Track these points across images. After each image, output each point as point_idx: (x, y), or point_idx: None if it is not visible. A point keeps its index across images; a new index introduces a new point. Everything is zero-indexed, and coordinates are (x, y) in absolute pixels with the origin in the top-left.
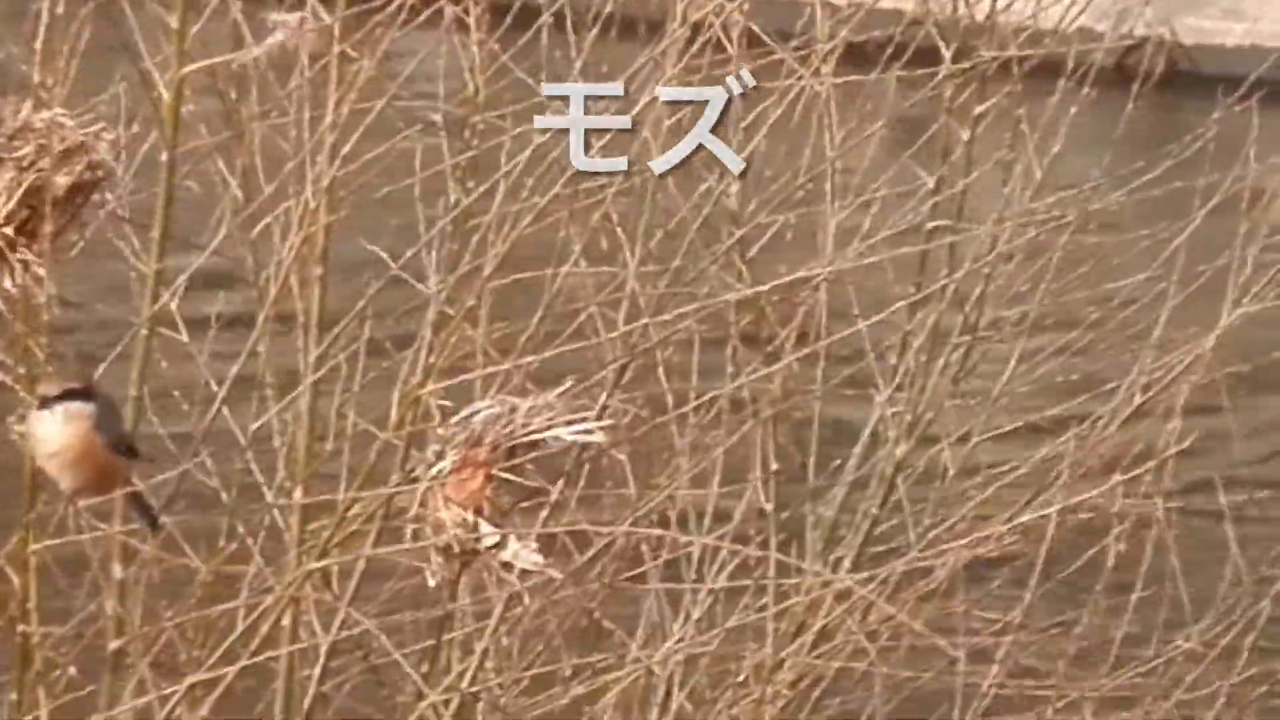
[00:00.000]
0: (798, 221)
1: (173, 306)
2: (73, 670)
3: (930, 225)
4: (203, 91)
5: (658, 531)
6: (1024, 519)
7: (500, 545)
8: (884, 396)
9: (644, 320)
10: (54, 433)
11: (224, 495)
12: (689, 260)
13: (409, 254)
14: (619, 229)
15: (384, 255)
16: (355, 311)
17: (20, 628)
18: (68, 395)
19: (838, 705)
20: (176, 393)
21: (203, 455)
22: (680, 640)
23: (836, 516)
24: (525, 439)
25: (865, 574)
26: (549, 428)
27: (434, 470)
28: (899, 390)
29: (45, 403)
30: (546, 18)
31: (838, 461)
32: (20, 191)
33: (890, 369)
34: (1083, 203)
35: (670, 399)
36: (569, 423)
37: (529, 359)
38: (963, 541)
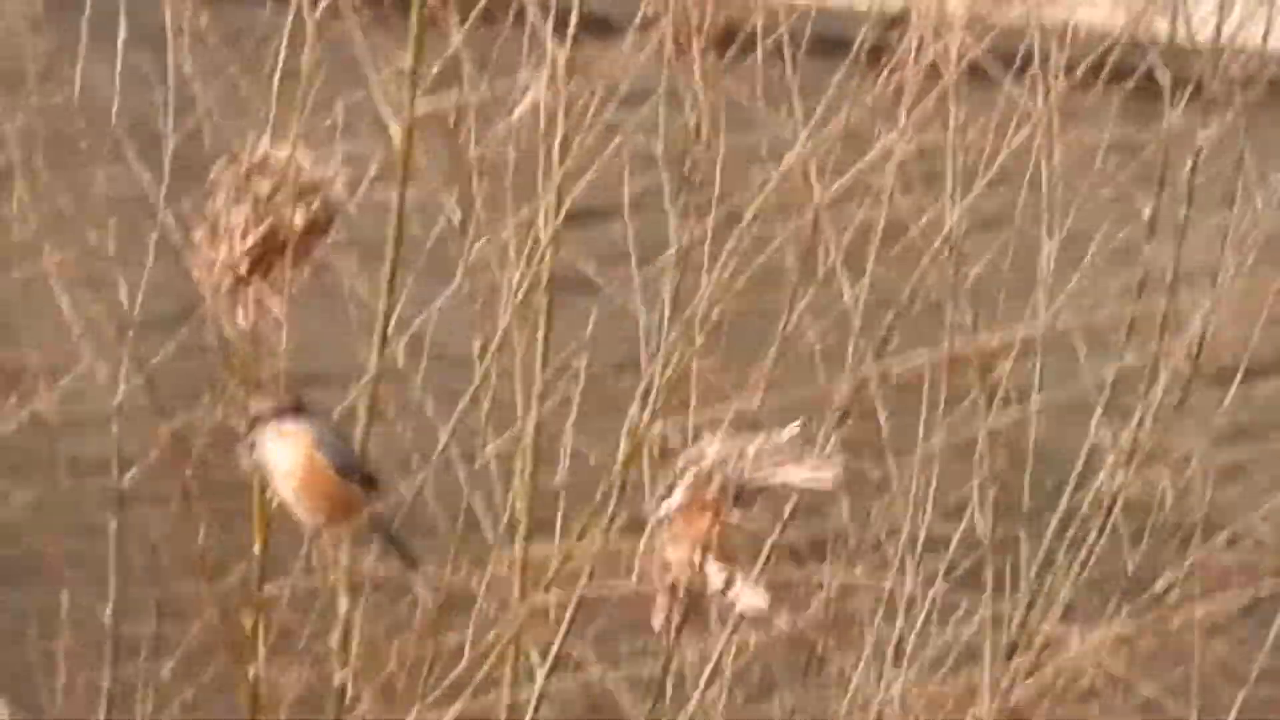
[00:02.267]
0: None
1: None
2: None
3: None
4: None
5: (873, 584)
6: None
7: (727, 586)
8: (1098, 422)
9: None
10: (277, 453)
11: (452, 526)
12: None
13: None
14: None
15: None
16: (577, 346)
17: (250, 670)
18: (280, 413)
19: None
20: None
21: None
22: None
23: (1052, 544)
24: (755, 482)
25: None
26: (778, 469)
27: (663, 509)
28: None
29: (258, 421)
30: (766, 43)
31: (1050, 486)
32: (258, 228)
33: (1109, 398)
34: None
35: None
36: (798, 465)
37: (755, 397)
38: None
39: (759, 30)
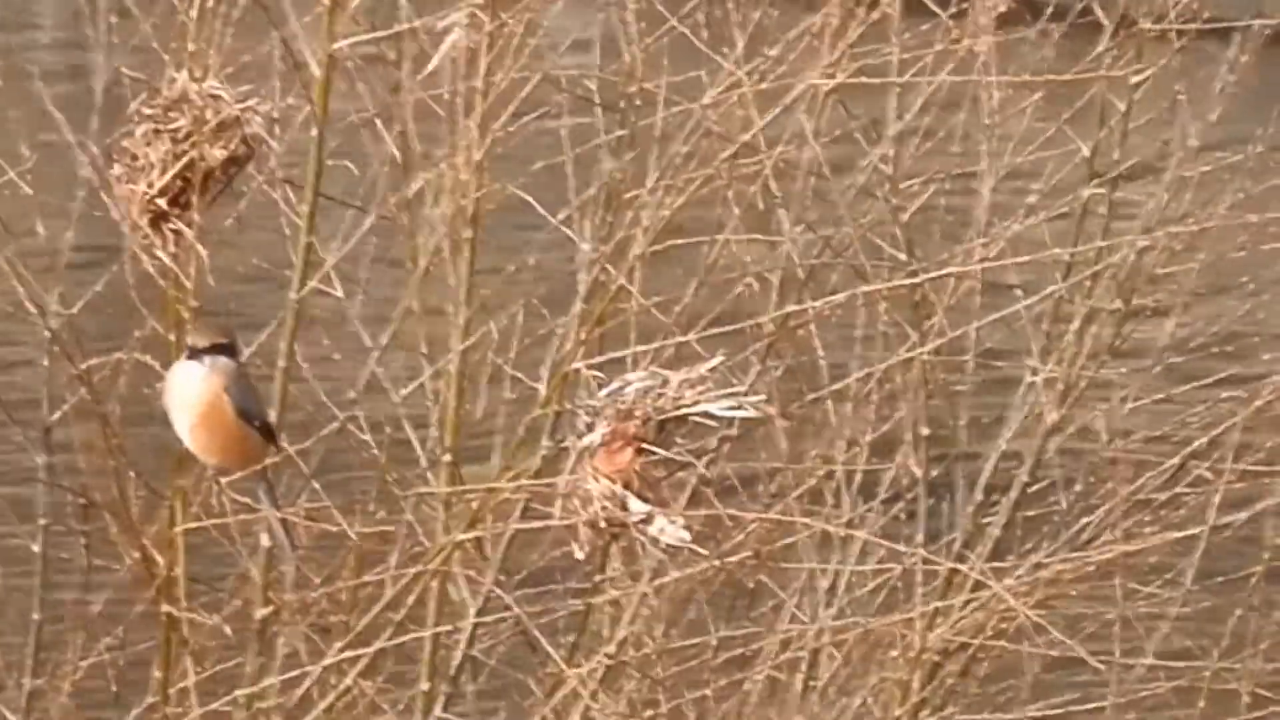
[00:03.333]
0: (952, 186)
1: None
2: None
3: (1087, 192)
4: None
5: (801, 520)
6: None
7: (647, 521)
8: (1036, 362)
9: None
10: (189, 386)
11: (378, 457)
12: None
13: (562, 215)
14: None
15: (536, 205)
16: (506, 274)
17: (165, 606)
18: (215, 349)
19: (985, 680)
20: (338, 356)
21: (357, 416)
22: (829, 611)
23: (988, 482)
24: (677, 413)
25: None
26: (701, 401)
27: (584, 442)
28: (1051, 359)
29: (193, 354)
30: None
31: (986, 421)
32: (176, 164)
33: (1043, 335)
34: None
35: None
36: (721, 397)
37: (681, 337)
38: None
39: None
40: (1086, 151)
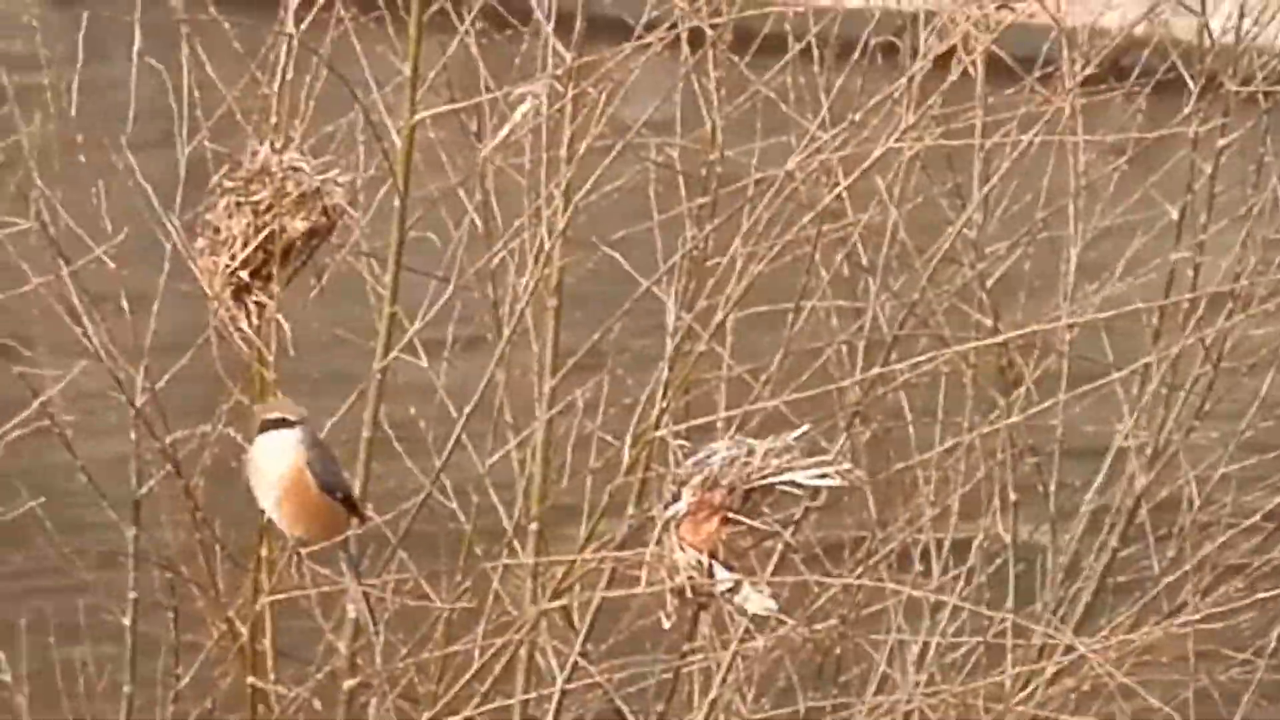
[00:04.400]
0: (1037, 250)
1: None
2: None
3: (1174, 257)
4: (440, 127)
5: (887, 584)
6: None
7: (734, 589)
8: (1126, 427)
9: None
10: (273, 459)
11: (463, 526)
12: (929, 293)
13: (645, 286)
14: (861, 264)
15: (624, 263)
16: (590, 342)
17: (250, 679)
18: (282, 423)
19: None
20: (422, 422)
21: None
22: (919, 677)
23: (1078, 546)
24: (762, 482)
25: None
26: (787, 470)
27: (670, 511)
28: (1140, 422)
29: (264, 427)
30: (794, 53)
31: (1077, 484)
32: (257, 236)
33: (1133, 400)
34: None
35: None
36: (808, 465)
37: (767, 402)
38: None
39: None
40: (1174, 214)
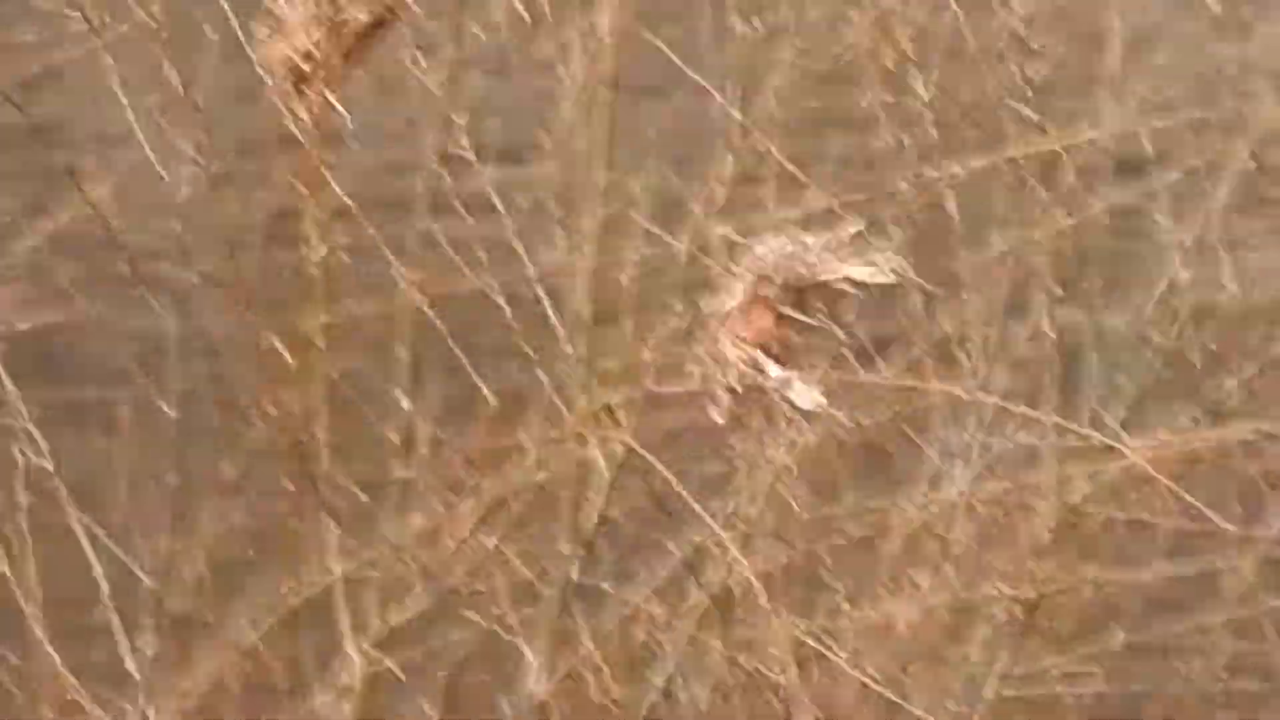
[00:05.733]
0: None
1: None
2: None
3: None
4: None
5: (934, 386)
6: None
7: (785, 385)
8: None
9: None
10: None
11: (512, 322)
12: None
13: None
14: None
15: (674, 57)
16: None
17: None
18: None
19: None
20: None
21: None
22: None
23: (1119, 346)
24: (817, 279)
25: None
26: (840, 265)
27: (722, 306)
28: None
29: None
30: None
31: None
32: (319, 26)
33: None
34: None
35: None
36: (861, 263)
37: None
38: None
39: None
40: (1217, 8)
